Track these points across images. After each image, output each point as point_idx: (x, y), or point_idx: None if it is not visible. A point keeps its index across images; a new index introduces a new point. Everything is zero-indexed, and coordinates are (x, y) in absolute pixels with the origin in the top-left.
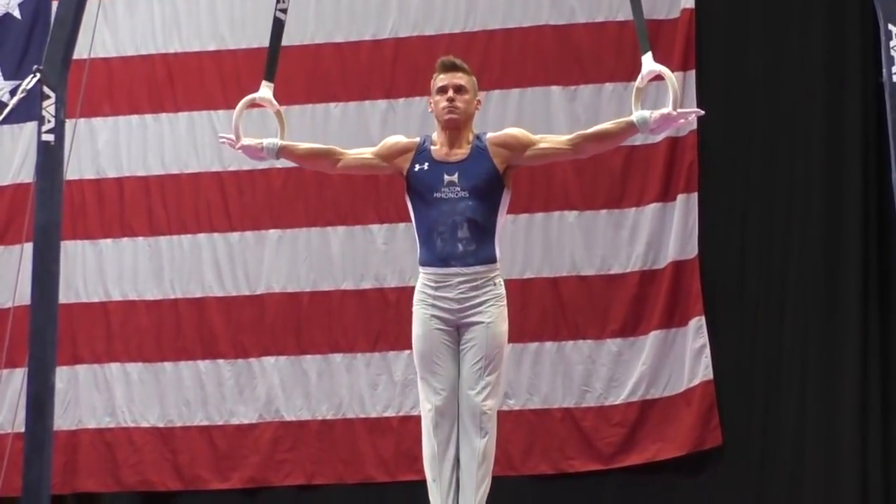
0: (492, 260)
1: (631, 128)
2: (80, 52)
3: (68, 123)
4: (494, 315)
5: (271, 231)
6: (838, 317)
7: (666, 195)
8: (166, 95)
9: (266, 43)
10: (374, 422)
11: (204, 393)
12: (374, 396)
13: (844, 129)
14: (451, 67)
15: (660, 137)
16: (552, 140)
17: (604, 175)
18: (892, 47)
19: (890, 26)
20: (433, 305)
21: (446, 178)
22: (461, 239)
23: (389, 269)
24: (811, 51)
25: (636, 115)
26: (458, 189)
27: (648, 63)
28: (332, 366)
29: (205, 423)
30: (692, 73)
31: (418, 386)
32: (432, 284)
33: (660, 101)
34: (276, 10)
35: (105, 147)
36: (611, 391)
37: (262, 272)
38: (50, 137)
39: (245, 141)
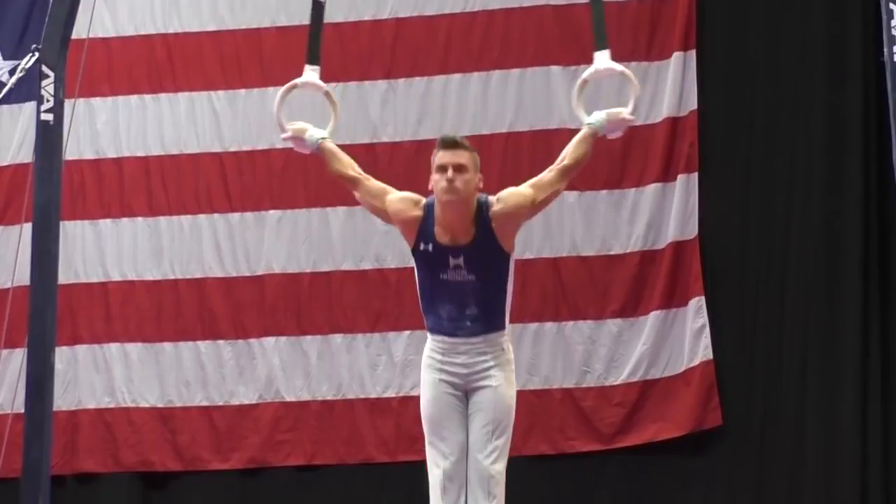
0: (501, 328)
1: (594, 137)
2: (79, 31)
3: (67, 103)
4: (502, 379)
5: (271, 212)
6: (839, 296)
7: (666, 175)
8: (166, 76)
9: (264, 24)
10: (374, 402)
11: (204, 373)
12: (374, 377)
13: (845, 108)
14: (451, 145)
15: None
16: (546, 188)
17: (604, 155)
18: (893, 27)
19: (891, 5)
20: (441, 370)
21: (451, 261)
22: (469, 316)
23: (389, 249)
24: (812, 30)
25: (595, 121)
26: (465, 272)
27: (604, 60)
28: (332, 346)
29: (205, 403)
30: (692, 54)
31: (426, 449)
32: (440, 350)
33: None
34: None
35: (104, 127)
36: (611, 371)
37: (262, 253)
38: (49, 117)
39: (291, 127)
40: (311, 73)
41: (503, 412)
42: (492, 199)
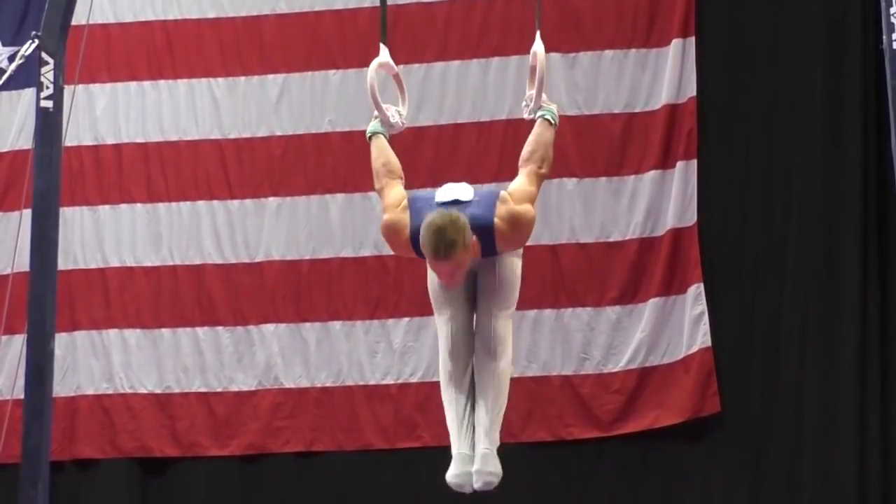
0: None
1: (554, 127)
2: (79, 18)
3: (66, 90)
4: (511, 257)
5: (271, 199)
6: (838, 283)
7: (665, 162)
8: (165, 63)
9: (264, 11)
10: (373, 389)
11: (202, 360)
12: (373, 364)
13: (844, 95)
14: (444, 256)
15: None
16: (536, 198)
17: (603, 142)
18: (893, 14)
19: None
20: None
21: None
22: None
23: None
24: (812, 16)
25: (551, 114)
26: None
27: (538, 43)
28: (331, 333)
29: (203, 389)
30: (692, 40)
31: (436, 321)
32: None
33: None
34: None
35: (103, 114)
36: (609, 358)
37: (261, 240)
38: (48, 104)
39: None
40: (385, 53)
41: (508, 281)
42: (499, 224)
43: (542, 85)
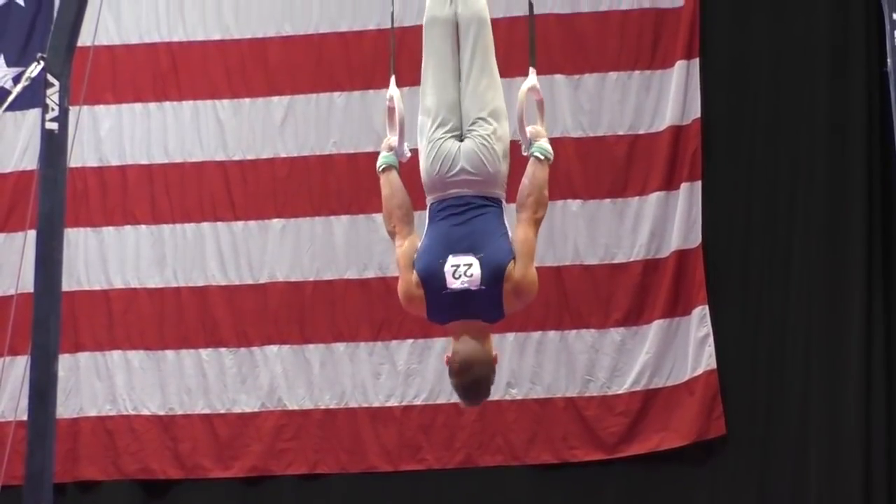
0: None
1: (547, 163)
2: (84, 39)
3: (71, 111)
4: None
5: (275, 220)
6: (842, 305)
7: (669, 184)
8: (170, 84)
9: (269, 33)
10: (377, 411)
11: (205, 381)
12: (377, 386)
13: (848, 117)
14: (476, 403)
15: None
16: (535, 226)
17: (607, 164)
18: None
19: (894, 16)
20: None
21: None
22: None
23: (392, 258)
24: (815, 38)
25: (541, 151)
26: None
27: (532, 78)
28: (335, 355)
29: (206, 411)
30: (696, 62)
31: None
32: None
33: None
34: None
35: (108, 135)
36: (614, 380)
37: (265, 261)
38: (53, 125)
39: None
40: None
41: None
42: (506, 298)
43: (522, 123)
